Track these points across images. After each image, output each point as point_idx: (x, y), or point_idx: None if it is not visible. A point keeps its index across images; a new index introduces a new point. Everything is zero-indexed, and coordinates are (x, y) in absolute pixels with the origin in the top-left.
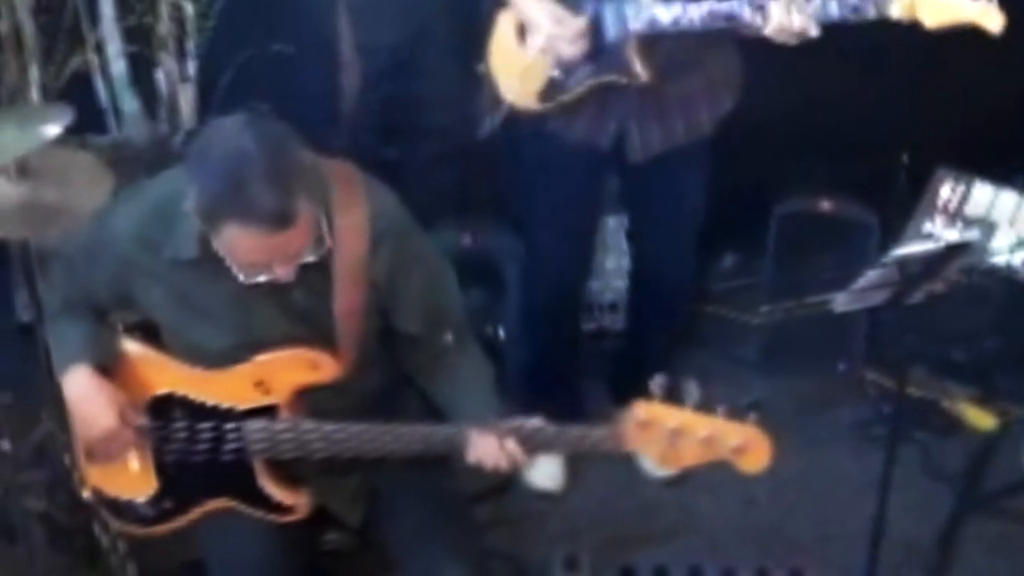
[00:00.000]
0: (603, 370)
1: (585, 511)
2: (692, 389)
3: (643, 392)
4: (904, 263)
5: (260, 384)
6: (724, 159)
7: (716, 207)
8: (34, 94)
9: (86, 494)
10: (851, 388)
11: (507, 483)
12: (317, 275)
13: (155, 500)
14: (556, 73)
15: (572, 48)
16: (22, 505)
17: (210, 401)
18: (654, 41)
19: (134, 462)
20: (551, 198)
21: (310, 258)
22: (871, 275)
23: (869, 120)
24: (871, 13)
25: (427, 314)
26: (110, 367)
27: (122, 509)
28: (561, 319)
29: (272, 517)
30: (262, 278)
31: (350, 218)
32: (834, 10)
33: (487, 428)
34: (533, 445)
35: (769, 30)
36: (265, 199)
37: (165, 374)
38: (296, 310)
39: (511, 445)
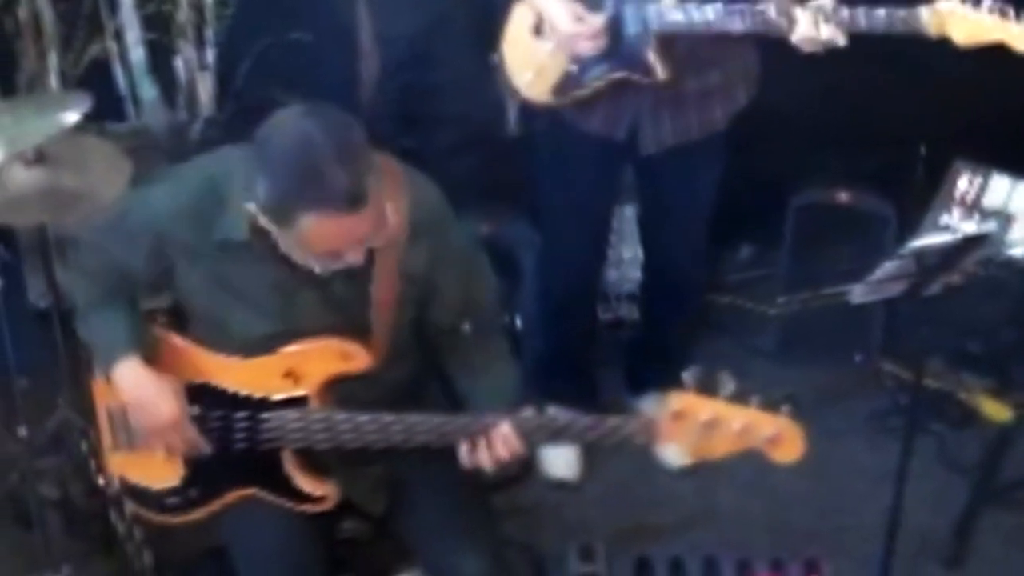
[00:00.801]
0: (620, 360)
1: (601, 501)
2: (726, 380)
3: (658, 381)
4: (921, 255)
5: (290, 374)
6: (742, 150)
7: (733, 198)
8: (53, 81)
9: (105, 481)
10: (868, 379)
11: (524, 473)
12: (356, 265)
13: (181, 489)
14: (572, 68)
15: (590, 46)
16: (38, 492)
17: (239, 390)
18: (673, 38)
19: (160, 451)
20: (567, 188)
21: (377, 242)
22: (888, 266)
23: (887, 112)
24: (900, 29)
25: (463, 306)
26: (149, 357)
27: (147, 497)
28: (577, 309)
29: (299, 507)
30: (331, 269)
31: (391, 207)
32: (862, 23)
33: (513, 418)
34: (565, 436)
35: (796, 38)
36: (339, 182)
37: (195, 363)
38: (335, 299)
39: (510, 438)
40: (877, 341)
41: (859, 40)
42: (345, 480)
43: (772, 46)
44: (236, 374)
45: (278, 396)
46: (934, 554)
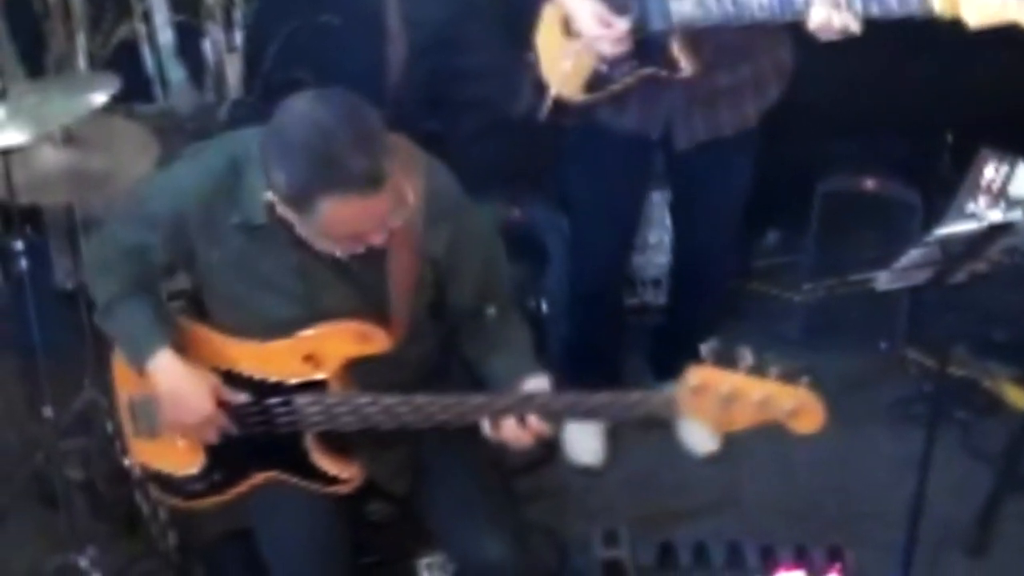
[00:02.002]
0: (645, 345)
1: (625, 486)
2: (745, 353)
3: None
4: (946, 242)
5: (310, 358)
6: (769, 137)
7: (760, 184)
8: (81, 62)
9: (132, 466)
10: (892, 367)
11: (548, 457)
12: (375, 247)
13: (204, 474)
14: (602, 67)
15: (615, 49)
16: (63, 473)
17: (260, 376)
18: (701, 33)
19: (180, 439)
20: (597, 182)
21: (398, 221)
22: (913, 254)
23: (914, 99)
24: (914, 9)
25: (480, 289)
26: (177, 346)
27: (170, 484)
28: (604, 296)
29: (323, 489)
30: (353, 252)
31: (408, 187)
32: (875, 10)
33: (532, 393)
34: (584, 411)
35: (812, 26)
36: (357, 164)
37: (215, 350)
38: (355, 282)
39: (532, 420)
40: (902, 328)
41: (886, 27)
42: (368, 461)
43: (801, 34)
44: (257, 359)
45: (298, 380)
46: (957, 542)
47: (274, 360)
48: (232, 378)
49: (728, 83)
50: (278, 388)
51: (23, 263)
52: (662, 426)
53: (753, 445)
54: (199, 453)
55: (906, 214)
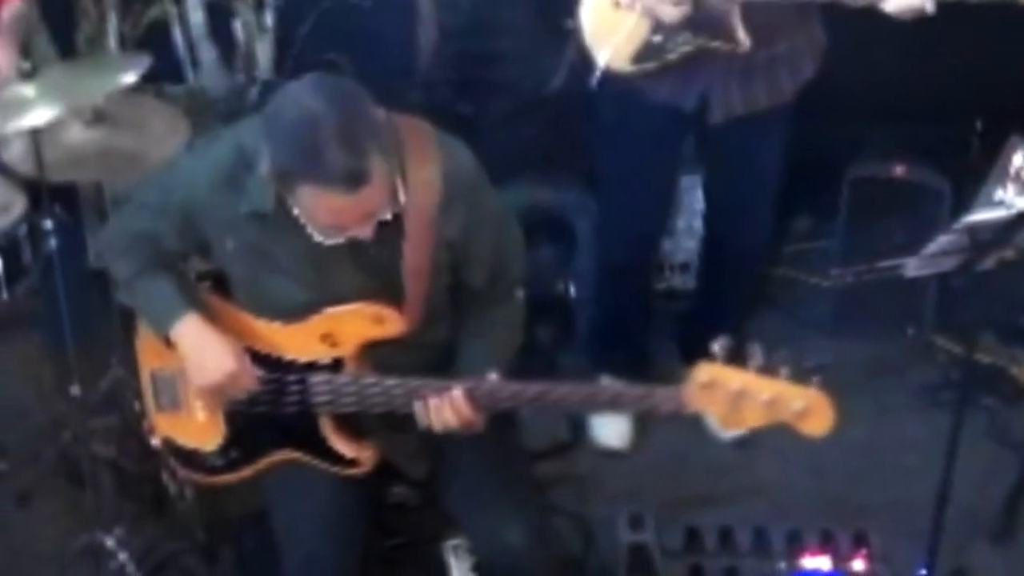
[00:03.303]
0: (672, 329)
1: (651, 470)
2: (755, 351)
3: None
4: (975, 229)
5: (327, 337)
6: (799, 123)
7: (790, 170)
8: (112, 42)
9: (155, 441)
10: (920, 353)
11: (573, 440)
12: (391, 230)
13: (223, 450)
14: (656, 38)
15: (674, 12)
16: (91, 451)
17: (279, 354)
18: (753, 8)
19: (201, 413)
20: (630, 158)
21: (387, 216)
22: (942, 241)
23: (944, 86)
24: None
25: (492, 269)
26: (204, 317)
27: (190, 457)
28: (634, 278)
29: (336, 470)
30: (340, 240)
31: (422, 174)
32: None
33: (472, 384)
34: (594, 405)
35: (891, 7)
36: (338, 160)
37: (238, 326)
38: (369, 265)
39: (459, 404)
40: (930, 315)
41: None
42: (385, 444)
43: (832, 19)
44: (276, 337)
45: (313, 359)
46: (983, 529)
47: (293, 339)
48: (255, 356)
49: (765, 58)
50: (293, 366)
51: (52, 242)
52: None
53: (780, 430)
54: (219, 428)
55: (935, 201)
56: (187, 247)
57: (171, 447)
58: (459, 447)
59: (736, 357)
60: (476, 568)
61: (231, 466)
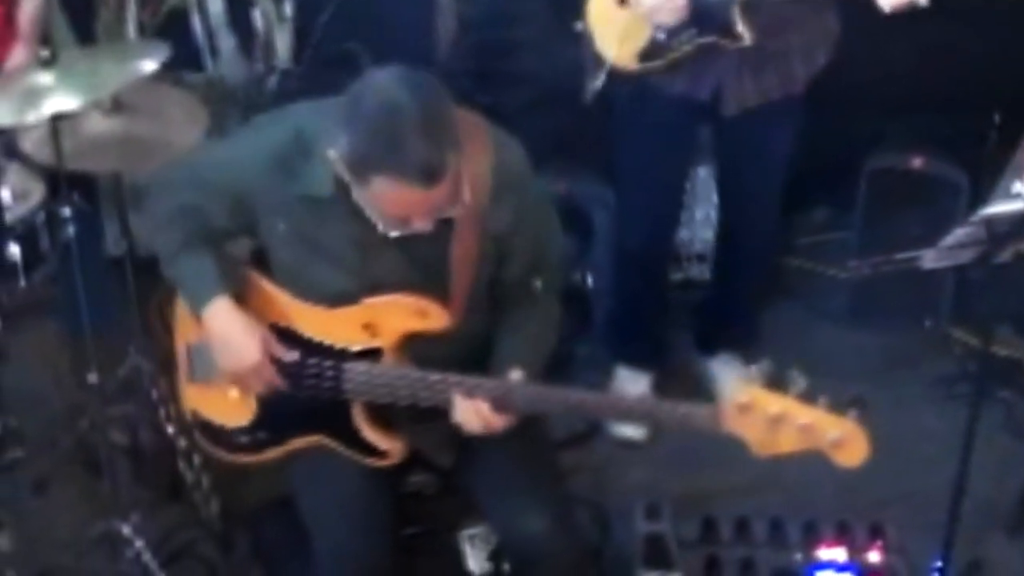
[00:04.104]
0: (689, 320)
1: (668, 461)
2: (796, 378)
3: (728, 342)
4: (992, 222)
5: (368, 326)
6: (817, 114)
7: (808, 161)
8: (131, 31)
9: (174, 430)
10: (936, 345)
11: (590, 431)
12: (440, 223)
13: (251, 429)
14: (659, 36)
15: (673, 16)
16: (108, 439)
17: (318, 338)
18: (760, 3)
19: (233, 390)
20: (645, 150)
21: (451, 213)
22: (959, 233)
23: (962, 79)
24: None
25: (532, 264)
26: (238, 297)
27: (217, 433)
28: (650, 269)
29: (365, 459)
30: (401, 232)
31: (475, 168)
32: None
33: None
34: (634, 416)
35: (885, 4)
36: (418, 154)
37: (279, 307)
38: (417, 257)
39: (483, 408)
40: (947, 307)
41: (937, 5)
42: (412, 434)
43: (850, 10)
44: (317, 322)
45: (353, 347)
46: (999, 521)
47: (333, 324)
48: (288, 336)
49: (777, 48)
50: (330, 351)
51: (70, 229)
52: (706, 401)
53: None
54: (251, 407)
55: (952, 193)
56: (235, 226)
57: (199, 420)
58: (486, 436)
59: (776, 382)
60: (492, 557)
61: (257, 446)
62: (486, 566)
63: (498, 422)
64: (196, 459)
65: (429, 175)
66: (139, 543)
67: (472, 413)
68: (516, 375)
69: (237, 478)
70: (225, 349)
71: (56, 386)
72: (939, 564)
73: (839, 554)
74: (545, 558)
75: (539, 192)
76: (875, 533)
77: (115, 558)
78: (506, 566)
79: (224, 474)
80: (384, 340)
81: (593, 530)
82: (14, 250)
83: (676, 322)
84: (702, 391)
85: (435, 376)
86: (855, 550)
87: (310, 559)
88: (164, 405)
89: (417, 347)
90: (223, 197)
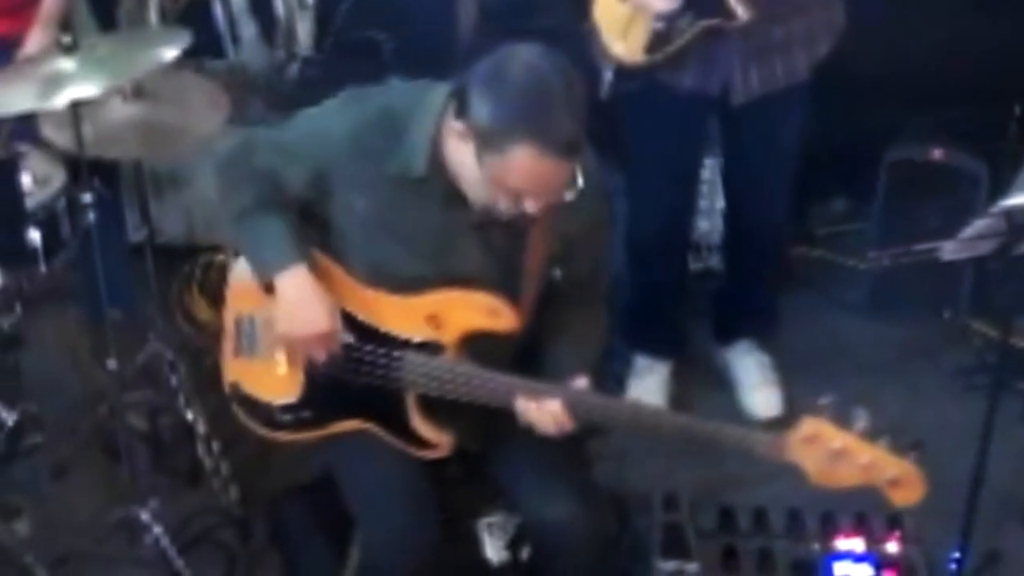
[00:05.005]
0: (709, 310)
1: (686, 450)
2: (860, 415)
3: (746, 332)
4: (1012, 213)
5: (433, 319)
6: (837, 105)
7: (827, 152)
8: (153, 17)
9: (193, 416)
10: (955, 336)
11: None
12: (519, 222)
13: (296, 407)
14: (659, 26)
15: (667, 5)
16: (127, 424)
17: (380, 326)
18: None
19: (282, 366)
20: (657, 143)
21: (560, 199)
22: (978, 224)
23: (981, 70)
24: None
25: (590, 270)
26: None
27: (258, 409)
28: (667, 259)
29: (409, 449)
30: (504, 207)
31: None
32: None
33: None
34: (697, 439)
35: None
36: (564, 125)
37: (341, 289)
38: (494, 250)
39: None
40: (966, 298)
41: None
42: (447, 420)
43: (871, 3)
44: (379, 307)
45: (415, 338)
46: (1017, 512)
47: (396, 312)
48: (346, 319)
49: (781, 36)
50: (386, 338)
51: (91, 216)
52: (725, 390)
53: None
54: (298, 384)
55: (972, 184)
56: (309, 198)
57: (238, 394)
58: (513, 421)
59: (841, 417)
60: (510, 546)
61: (298, 425)
62: (504, 554)
63: (570, 423)
64: (215, 446)
65: (570, 147)
66: (157, 529)
67: (547, 415)
68: (581, 382)
69: (256, 465)
70: (295, 314)
71: (76, 372)
72: (957, 555)
73: (857, 544)
74: (569, 544)
75: (607, 205)
76: (893, 524)
77: (134, 544)
78: (524, 555)
79: (243, 461)
80: (447, 334)
81: (611, 520)
82: (35, 236)
83: (695, 311)
84: (721, 380)
85: (502, 378)
86: (873, 541)
87: (327, 546)
88: (183, 391)
89: (476, 344)
90: (304, 166)
